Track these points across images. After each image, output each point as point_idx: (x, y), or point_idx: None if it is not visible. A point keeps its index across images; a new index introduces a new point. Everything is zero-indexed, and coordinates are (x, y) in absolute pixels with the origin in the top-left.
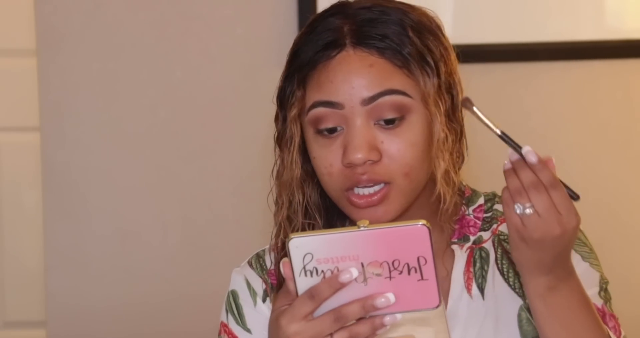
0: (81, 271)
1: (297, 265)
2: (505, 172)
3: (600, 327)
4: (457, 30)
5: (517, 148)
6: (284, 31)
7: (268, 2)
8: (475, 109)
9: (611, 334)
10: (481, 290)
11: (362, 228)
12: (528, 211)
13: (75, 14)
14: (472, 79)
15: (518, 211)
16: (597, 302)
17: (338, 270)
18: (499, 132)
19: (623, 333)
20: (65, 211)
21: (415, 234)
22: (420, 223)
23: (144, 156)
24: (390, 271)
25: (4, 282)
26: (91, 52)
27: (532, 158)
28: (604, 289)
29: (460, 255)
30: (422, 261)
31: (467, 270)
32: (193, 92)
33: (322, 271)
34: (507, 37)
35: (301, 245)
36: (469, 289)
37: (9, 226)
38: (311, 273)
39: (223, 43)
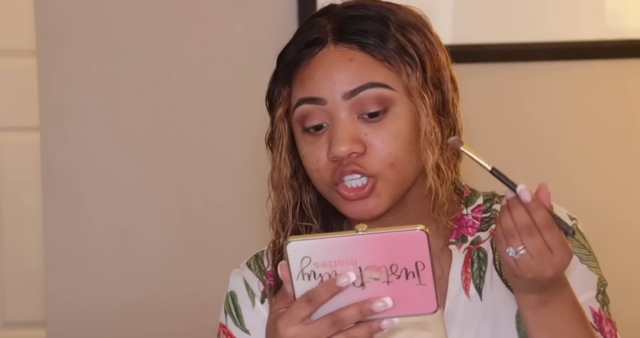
0: (81, 271)
1: (295, 268)
2: (501, 208)
3: (591, 336)
4: (457, 30)
5: (509, 184)
6: (284, 31)
7: (268, 2)
8: (462, 148)
9: None
10: (479, 290)
11: (360, 232)
12: (521, 252)
13: (75, 14)
14: (472, 79)
15: (510, 255)
16: (595, 305)
17: (336, 274)
18: (489, 168)
19: None
20: (65, 211)
21: (413, 239)
22: (418, 228)
23: (144, 156)
24: (388, 276)
25: (4, 282)
26: (91, 52)
27: (526, 197)
28: (601, 292)
29: (458, 256)
30: (420, 266)
31: (464, 271)
32: (193, 92)
33: (320, 274)
34: (507, 37)
35: (299, 248)
36: (466, 290)
37: (9, 226)
38: (309, 276)
39: (223, 43)
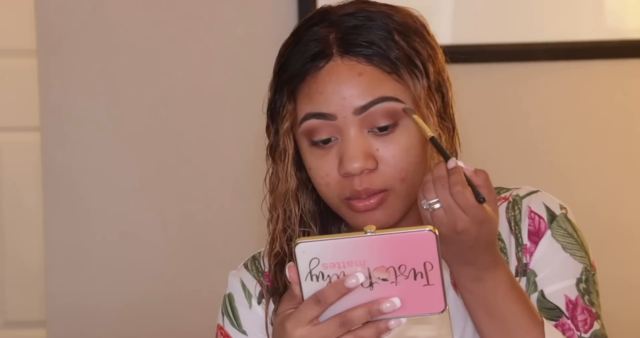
0: (81, 271)
1: (303, 269)
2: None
3: (531, 318)
4: (457, 30)
5: (444, 154)
6: (284, 31)
7: (268, 2)
8: (414, 116)
9: (547, 325)
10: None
11: (369, 234)
12: (436, 206)
13: (75, 14)
14: (472, 79)
15: (425, 206)
16: (571, 293)
17: (344, 275)
18: (429, 136)
19: (596, 327)
20: (65, 211)
21: (422, 240)
22: (427, 229)
23: (144, 156)
24: (396, 276)
25: (4, 282)
26: (91, 52)
27: (451, 164)
28: (584, 281)
29: None
30: (428, 266)
31: None
32: (193, 92)
33: (328, 275)
34: (507, 37)
35: (308, 249)
36: (455, 286)
37: (9, 226)
38: (317, 277)
39: (223, 43)
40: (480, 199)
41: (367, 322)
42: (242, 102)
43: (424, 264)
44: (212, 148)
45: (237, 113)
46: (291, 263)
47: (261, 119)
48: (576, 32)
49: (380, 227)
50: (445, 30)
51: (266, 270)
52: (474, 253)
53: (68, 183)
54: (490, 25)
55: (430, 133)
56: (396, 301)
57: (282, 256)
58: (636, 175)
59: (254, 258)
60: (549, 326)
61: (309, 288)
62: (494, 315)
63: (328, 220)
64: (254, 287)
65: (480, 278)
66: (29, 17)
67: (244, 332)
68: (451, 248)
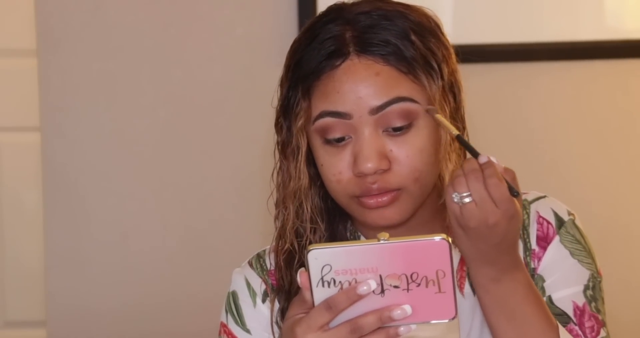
0: (81, 271)
1: (315, 275)
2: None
3: (547, 321)
4: (457, 30)
5: (473, 151)
6: (284, 31)
7: (268, 2)
8: (437, 116)
9: (561, 329)
10: (474, 288)
11: (382, 241)
12: (466, 199)
13: (75, 14)
14: (472, 79)
15: (455, 200)
16: (579, 300)
17: (356, 282)
18: (455, 134)
19: (603, 334)
20: (65, 212)
21: (435, 248)
22: (440, 237)
23: (144, 156)
24: (408, 284)
25: (4, 282)
26: (91, 52)
27: (482, 159)
28: (591, 287)
29: (454, 254)
30: (440, 274)
31: (460, 269)
32: (193, 92)
33: (340, 282)
34: (507, 37)
35: (320, 256)
36: (461, 287)
37: (9, 226)
38: (329, 284)
39: (223, 43)
40: (514, 193)
41: (377, 328)
42: (242, 103)
43: (437, 272)
44: (212, 148)
45: (237, 113)
46: (302, 269)
47: (261, 120)
48: (576, 32)
49: (390, 224)
50: (445, 30)
51: (271, 268)
52: (498, 251)
53: (68, 183)
54: (491, 25)
55: (455, 131)
56: (407, 308)
57: (291, 252)
58: (636, 175)
59: (259, 256)
60: (563, 330)
61: (320, 294)
62: (510, 317)
63: (335, 217)
64: (259, 286)
65: (499, 279)
66: (29, 17)
67: (247, 331)
68: (477, 244)
